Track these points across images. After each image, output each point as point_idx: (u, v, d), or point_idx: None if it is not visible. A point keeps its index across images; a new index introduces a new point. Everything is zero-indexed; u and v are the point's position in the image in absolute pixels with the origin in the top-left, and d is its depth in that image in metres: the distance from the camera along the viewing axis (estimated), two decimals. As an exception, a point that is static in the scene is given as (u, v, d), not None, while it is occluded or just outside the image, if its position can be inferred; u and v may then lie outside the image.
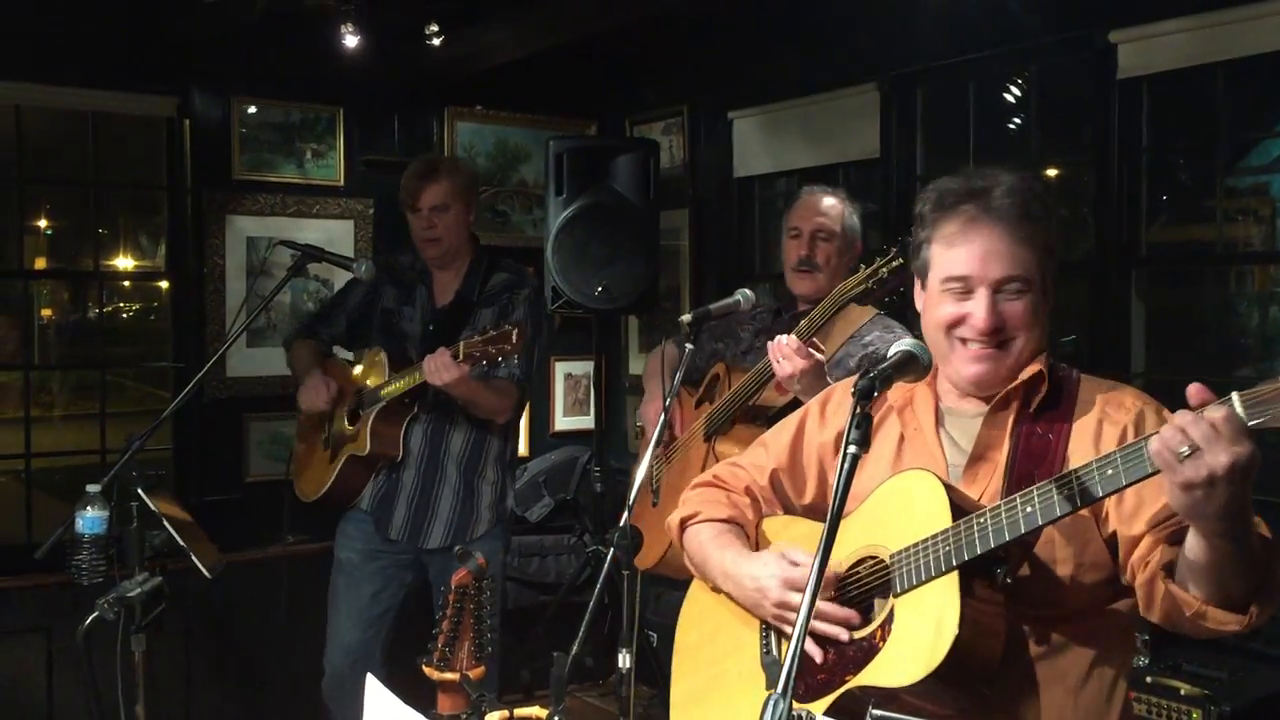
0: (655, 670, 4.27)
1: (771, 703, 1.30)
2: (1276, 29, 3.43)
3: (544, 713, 1.89)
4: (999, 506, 1.64)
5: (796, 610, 1.78)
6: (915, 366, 1.70)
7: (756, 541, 2.10)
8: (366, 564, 3.72)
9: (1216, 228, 3.92)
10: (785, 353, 2.91)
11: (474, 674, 1.88)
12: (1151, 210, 4.00)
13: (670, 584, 3.77)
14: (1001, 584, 1.67)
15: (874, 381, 1.59)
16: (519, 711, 1.87)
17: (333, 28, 4.45)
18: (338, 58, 4.57)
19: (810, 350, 2.89)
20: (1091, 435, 1.78)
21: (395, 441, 3.64)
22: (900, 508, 1.79)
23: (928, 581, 1.68)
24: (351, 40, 4.48)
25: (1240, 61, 3.57)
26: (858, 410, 1.52)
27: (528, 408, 5.64)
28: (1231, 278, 4.16)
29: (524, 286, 3.78)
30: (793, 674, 1.30)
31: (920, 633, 1.65)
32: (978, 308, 1.81)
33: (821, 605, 1.78)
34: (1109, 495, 1.57)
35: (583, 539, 4.99)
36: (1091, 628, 1.77)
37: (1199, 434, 1.42)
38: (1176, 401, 1.52)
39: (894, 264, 2.73)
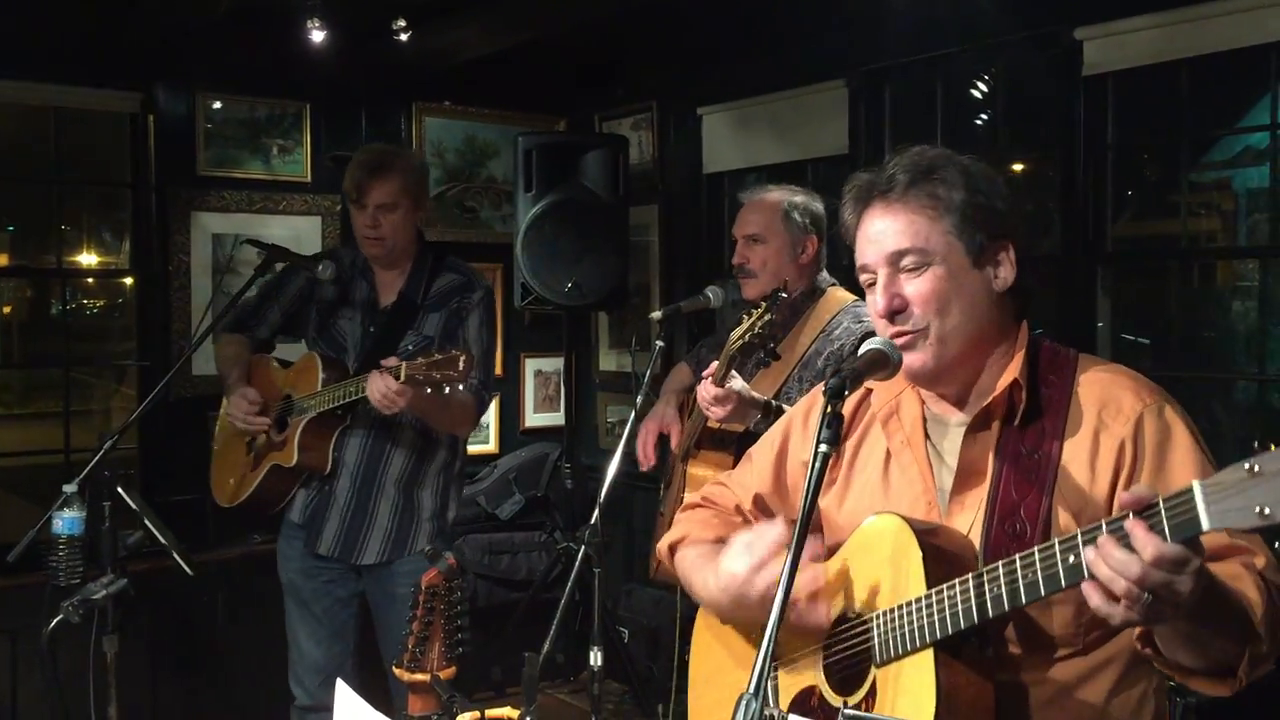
0: (627, 667, 4.28)
1: (744, 702, 1.29)
2: (1239, 26, 3.47)
3: (515, 713, 1.88)
4: (968, 582, 1.55)
5: (776, 572, 1.68)
6: (885, 364, 1.67)
7: None
8: (308, 582, 3.53)
9: (1181, 222, 3.95)
10: (708, 402, 2.98)
11: (445, 674, 1.87)
12: (1117, 205, 4.03)
13: (642, 582, 3.77)
14: (982, 656, 1.60)
15: (844, 380, 1.55)
16: (490, 712, 1.86)
17: (299, 23, 4.41)
18: (304, 53, 4.53)
19: (727, 391, 2.95)
20: (1087, 453, 1.65)
21: (324, 454, 3.41)
22: (878, 560, 1.69)
23: (904, 656, 1.60)
24: (318, 35, 4.45)
25: (1204, 58, 3.60)
26: (828, 409, 1.50)
27: (498, 404, 5.64)
28: (1196, 272, 4.20)
29: (475, 289, 3.52)
30: (765, 672, 1.30)
31: (900, 712, 1.59)
32: (876, 291, 1.73)
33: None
34: (1073, 586, 1.43)
35: (553, 536, 4.98)
36: (1104, 658, 1.67)
37: (1155, 581, 1.32)
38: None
39: (765, 318, 2.80)
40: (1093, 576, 1.37)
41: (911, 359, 1.72)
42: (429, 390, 2.96)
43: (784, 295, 2.81)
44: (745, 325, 2.83)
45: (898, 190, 1.72)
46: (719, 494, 2.14)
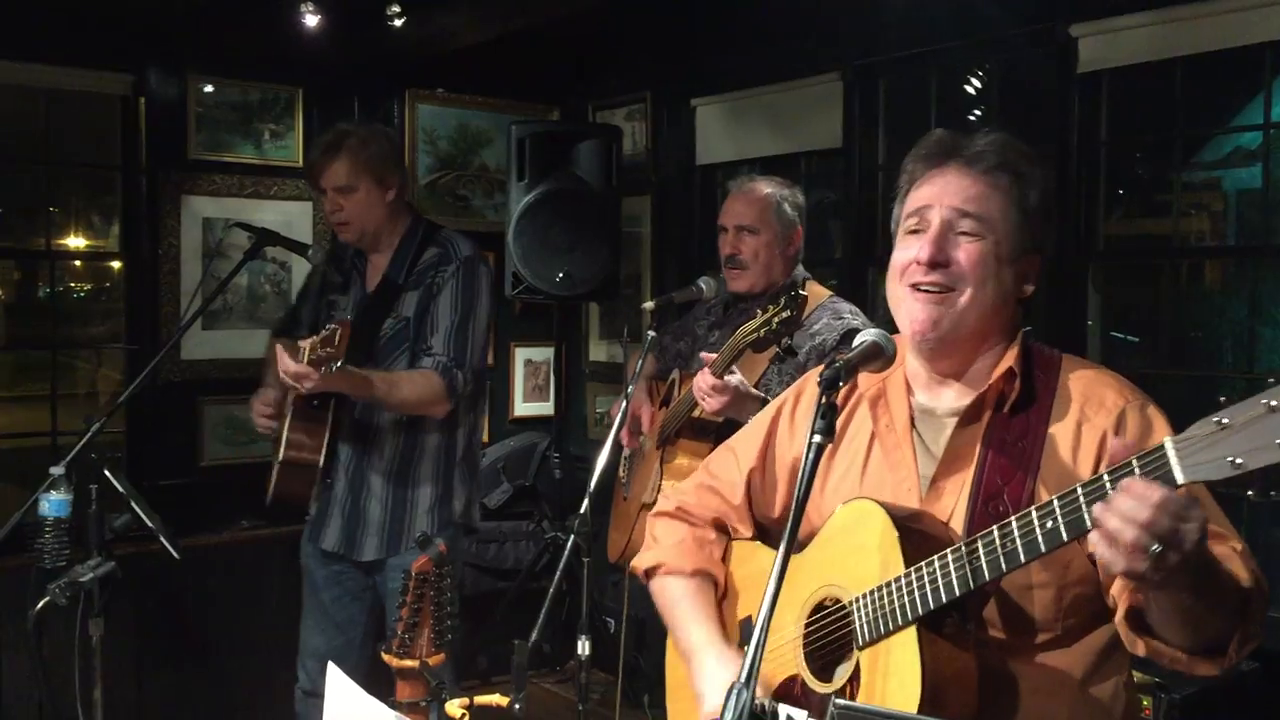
0: (613, 657, 4.28)
1: (735, 692, 1.29)
2: (1233, 25, 3.48)
3: (505, 700, 1.88)
4: (946, 557, 1.57)
5: None
6: (880, 356, 1.67)
7: (725, 574, 2.03)
8: (321, 569, 3.51)
9: (1171, 222, 3.97)
10: (705, 392, 2.97)
11: (433, 661, 1.87)
12: (1109, 204, 4.04)
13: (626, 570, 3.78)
14: (963, 630, 1.62)
15: (839, 372, 1.55)
16: (479, 699, 1.86)
17: (292, 6, 4.39)
18: (297, 37, 4.51)
19: (725, 383, 2.95)
20: (1070, 442, 1.68)
21: (314, 447, 3.30)
22: (855, 544, 1.71)
23: (887, 636, 1.62)
24: (311, 20, 4.42)
25: (1198, 57, 3.61)
26: (823, 400, 1.50)
27: (488, 393, 5.62)
28: (1184, 271, 4.21)
29: (451, 261, 3.36)
30: (756, 664, 1.30)
31: (885, 694, 1.60)
32: (925, 236, 1.73)
33: None
34: (1053, 550, 1.48)
35: (541, 525, 4.99)
36: (1082, 648, 1.70)
37: (1163, 527, 1.32)
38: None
39: (784, 315, 2.76)
40: (1098, 526, 1.38)
41: (926, 317, 1.72)
42: (323, 369, 2.87)
43: (803, 294, 2.79)
44: (760, 320, 2.80)
45: (984, 164, 1.75)
46: (697, 503, 2.10)
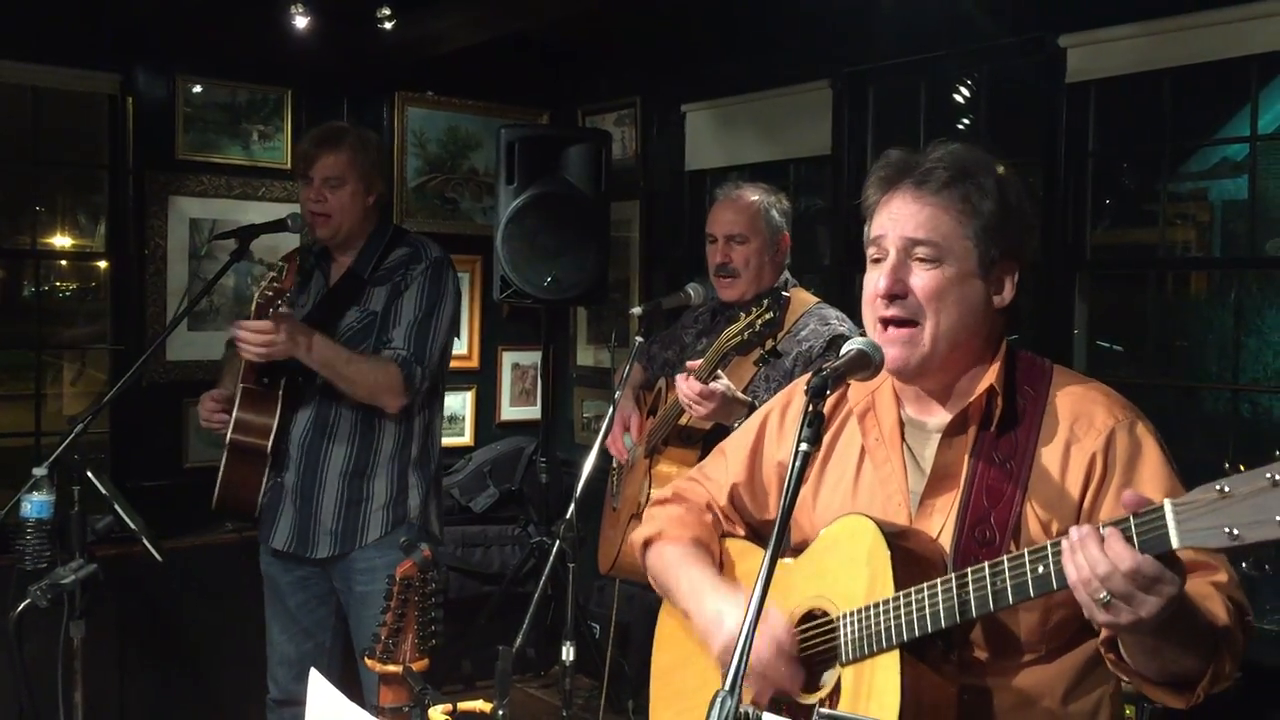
0: (597, 662, 4.28)
1: (719, 700, 1.29)
2: (1221, 38, 3.49)
3: (488, 706, 1.88)
4: (936, 587, 1.58)
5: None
6: (867, 365, 1.66)
7: (720, 561, 2.03)
8: (284, 575, 3.44)
9: (1158, 232, 3.98)
10: (690, 398, 2.96)
11: (417, 666, 1.87)
12: (1096, 213, 4.05)
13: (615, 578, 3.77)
14: (946, 658, 1.63)
15: (826, 380, 1.55)
16: (463, 705, 1.86)
17: (282, 8, 4.39)
18: (287, 38, 4.50)
19: (712, 389, 2.94)
20: (1059, 463, 1.68)
21: (263, 429, 3.25)
22: (847, 560, 1.71)
23: (871, 656, 1.63)
24: (301, 21, 4.42)
25: (1185, 69, 3.62)
26: (809, 409, 1.50)
27: (473, 397, 5.62)
28: (1170, 281, 4.23)
29: (421, 260, 3.38)
30: (741, 671, 1.30)
31: (864, 712, 1.61)
32: (883, 266, 1.73)
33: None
34: (1041, 596, 1.50)
35: (527, 530, 4.98)
36: (1064, 663, 1.70)
37: (1118, 587, 1.35)
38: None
39: (766, 316, 2.76)
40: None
41: (895, 355, 1.71)
42: (272, 309, 2.96)
43: (786, 295, 2.79)
44: (743, 323, 2.80)
45: (933, 184, 1.73)
46: (690, 489, 2.12)
